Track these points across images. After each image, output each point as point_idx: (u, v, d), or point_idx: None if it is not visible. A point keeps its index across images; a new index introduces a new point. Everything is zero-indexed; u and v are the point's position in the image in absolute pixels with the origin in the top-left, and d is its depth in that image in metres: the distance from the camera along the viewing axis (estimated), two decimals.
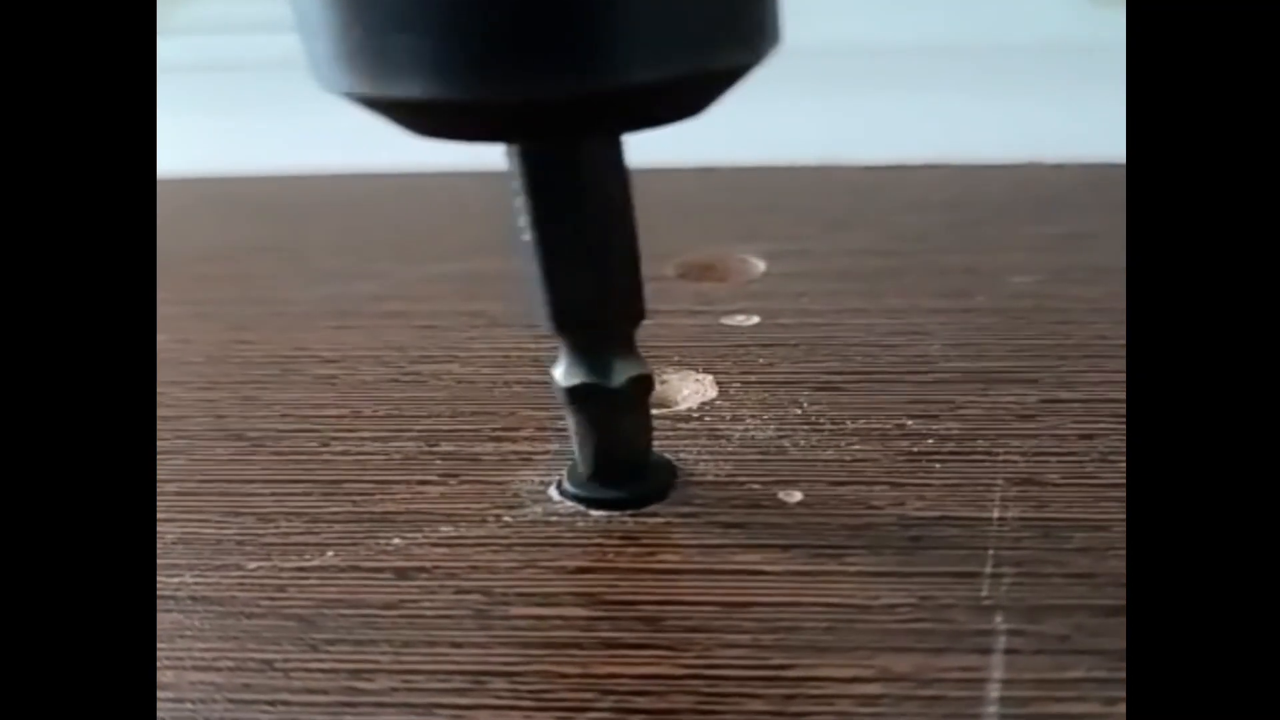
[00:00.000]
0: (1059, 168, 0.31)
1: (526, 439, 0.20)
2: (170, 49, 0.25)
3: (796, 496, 0.18)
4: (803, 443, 0.20)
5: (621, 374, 0.17)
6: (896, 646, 0.15)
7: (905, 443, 0.19)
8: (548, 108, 0.14)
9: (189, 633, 0.16)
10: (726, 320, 0.24)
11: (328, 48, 0.14)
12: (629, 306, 0.17)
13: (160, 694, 0.15)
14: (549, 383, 0.18)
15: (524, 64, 0.13)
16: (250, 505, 0.19)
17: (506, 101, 0.14)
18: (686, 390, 0.22)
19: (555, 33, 0.13)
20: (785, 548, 0.17)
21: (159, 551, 0.18)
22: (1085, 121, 0.31)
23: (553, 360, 0.18)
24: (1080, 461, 0.19)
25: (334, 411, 0.21)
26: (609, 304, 0.17)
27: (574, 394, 0.17)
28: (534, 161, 0.15)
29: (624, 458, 0.18)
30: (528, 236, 0.16)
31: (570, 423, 0.18)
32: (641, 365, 0.17)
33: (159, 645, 0.16)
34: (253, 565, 0.17)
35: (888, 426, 0.20)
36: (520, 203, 0.16)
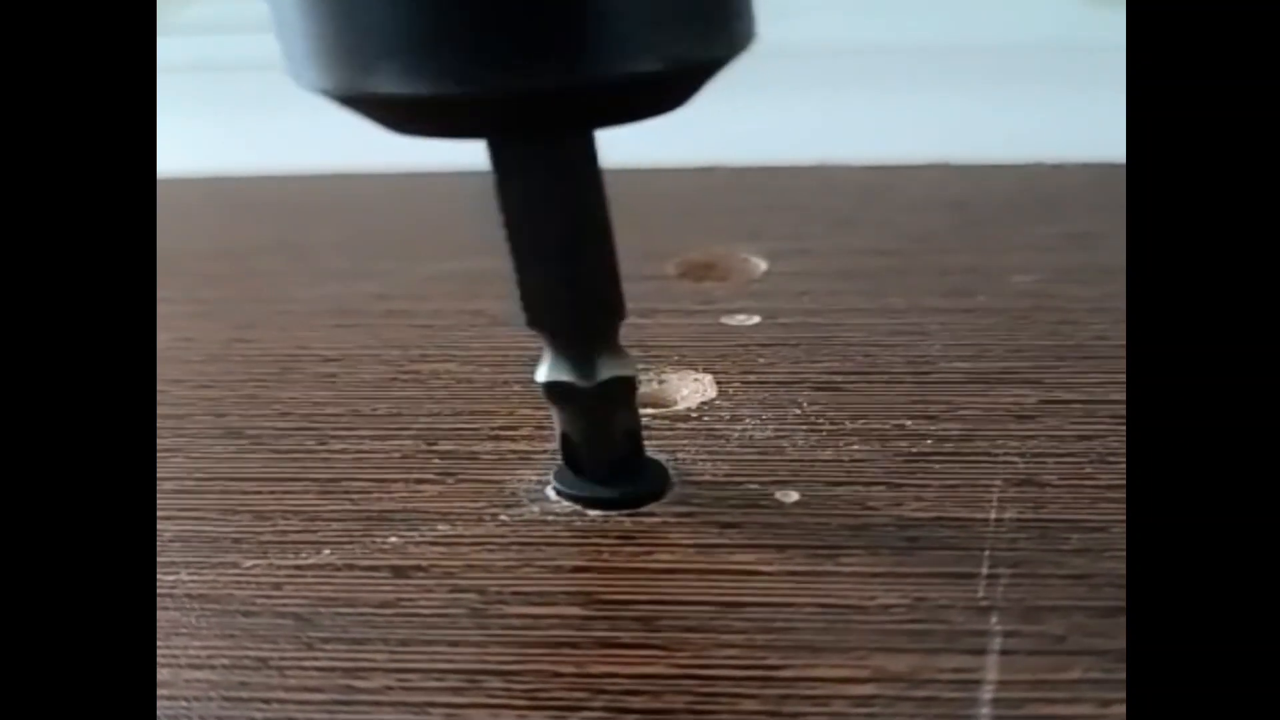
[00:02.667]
0: (1059, 168, 0.31)
1: (525, 438, 0.20)
2: (170, 49, 0.25)
3: (794, 497, 0.18)
4: (801, 443, 0.20)
5: (600, 373, 0.17)
6: (892, 647, 0.15)
7: (904, 443, 0.19)
8: (520, 103, 0.14)
9: (185, 630, 0.16)
10: (727, 320, 0.24)
11: (303, 45, 0.14)
12: (603, 304, 0.17)
13: (157, 691, 0.15)
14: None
15: (495, 59, 0.13)
16: (248, 503, 0.19)
17: (478, 96, 0.14)
18: (686, 390, 0.22)
19: (527, 27, 0.13)
20: (782, 548, 0.17)
21: (156, 549, 0.18)
22: (1085, 121, 0.31)
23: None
24: (1079, 463, 0.19)
25: (333, 410, 0.21)
26: (581, 301, 0.17)
27: (548, 390, 0.17)
28: (504, 156, 0.15)
29: (604, 458, 0.18)
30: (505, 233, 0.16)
31: (553, 418, 0.18)
32: (625, 366, 0.17)
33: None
34: (249, 563, 0.17)
35: (886, 427, 0.20)
36: (496, 199, 0.16)
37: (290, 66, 0.15)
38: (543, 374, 0.17)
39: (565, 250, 0.16)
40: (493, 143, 0.15)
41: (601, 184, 0.16)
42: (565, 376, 0.17)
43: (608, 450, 0.18)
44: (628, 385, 0.17)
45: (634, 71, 0.14)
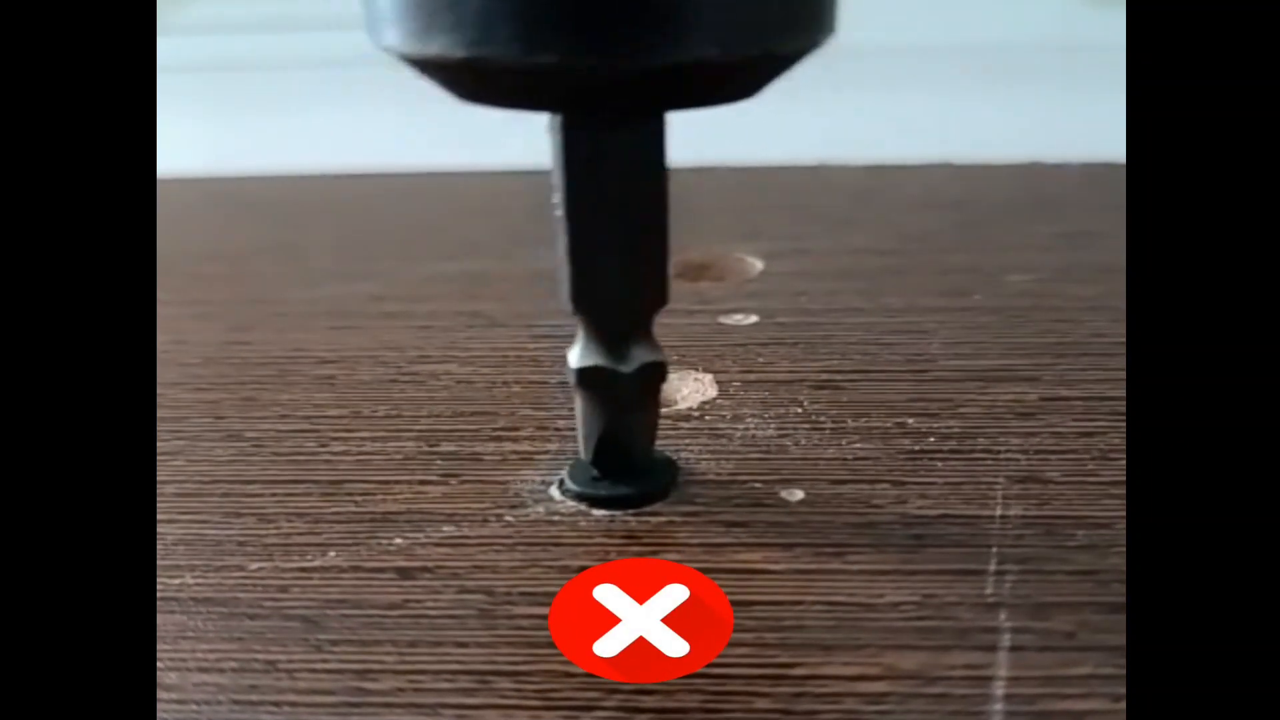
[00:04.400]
0: (1059, 167, 0.31)
1: (527, 439, 0.20)
2: (170, 49, 0.25)
3: (798, 495, 0.18)
4: (804, 441, 0.20)
5: (635, 360, 0.17)
6: (902, 644, 0.15)
7: (906, 441, 0.20)
8: (609, 79, 0.14)
9: (192, 634, 0.16)
10: (725, 319, 0.24)
11: (385, 6, 0.14)
12: (652, 292, 0.17)
13: (165, 695, 0.15)
14: (549, 380, 0.18)
15: (589, 33, 0.13)
16: (251, 506, 0.19)
17: (569, 69, 0.13)
18: (686, 389, 0.22)
19: (623, 4, 0.13)
20: (788, 546, 0.17)
21: (160, 553, 0.18)
22: (1084, 121, 0.31)
23: (554, 358, 0.18)
24: (1080, 459, 0.19)
25: (334, 412, 0.21)
26: (632, 287, 0.16)
27: (583, 376, 0.17)
28: (575, 135, 0.15)
29: (626, 449, 0.18)
30: (560, 212, 0.16)
31: (577, 407, 0.18)
32: (657, 353, 0.17)
33: (163, 647, 0.16)
34: (255, 566, 0.17)
35: (888, 425, 0.20)
36: (556, 177, 0.16)
37: (370, 26, 0.14)
38: (575, 360, 0.17)
39: (627, 235, 0.16)
40: (566, 125, 0.15)
41: (666, 170, 0.16)
42: (603, 362, 0.17)
43: (634, 438, 0.18)
44: (662, 371, 0.17)
45: (734, 56, 0.14)
